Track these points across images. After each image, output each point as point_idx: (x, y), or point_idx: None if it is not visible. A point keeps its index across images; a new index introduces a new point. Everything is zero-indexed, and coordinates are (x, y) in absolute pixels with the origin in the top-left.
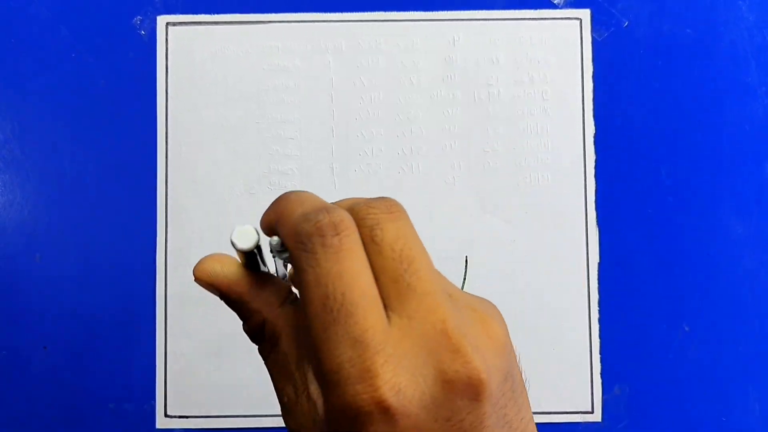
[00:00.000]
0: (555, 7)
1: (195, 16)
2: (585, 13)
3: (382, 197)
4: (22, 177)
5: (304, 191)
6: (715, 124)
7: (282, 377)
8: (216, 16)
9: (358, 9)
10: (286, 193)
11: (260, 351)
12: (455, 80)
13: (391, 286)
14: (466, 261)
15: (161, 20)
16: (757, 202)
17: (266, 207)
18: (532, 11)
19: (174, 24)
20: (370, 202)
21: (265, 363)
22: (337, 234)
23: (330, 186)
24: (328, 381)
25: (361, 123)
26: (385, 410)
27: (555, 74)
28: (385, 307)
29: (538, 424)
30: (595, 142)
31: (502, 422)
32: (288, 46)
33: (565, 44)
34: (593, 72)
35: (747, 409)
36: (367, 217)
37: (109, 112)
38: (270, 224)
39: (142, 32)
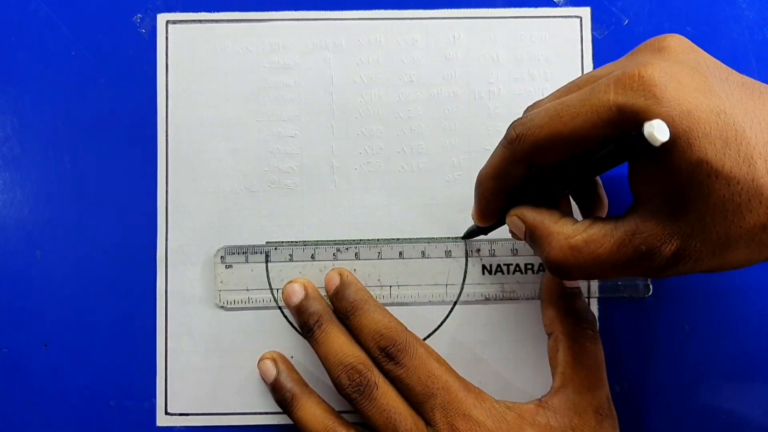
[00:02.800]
0: (555, 5)
1: (195, 14)
2: (585, 11)
3: None
4: (22, 175)
5: None
6: None
7: None
8: (216, 14)
9: (359, 7)
10: None
11: None
12: (455, 78)
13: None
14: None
15: (161, 18)
16: None
17: (267, 205)
18: (532, 9)
19: (174, 22)
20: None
21: None
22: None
23: (330, 184)
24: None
25: (362, 121)
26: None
27: (555, 72)
28: None
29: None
30: None
31: None
32: (288, 44)
33: (565, 42)
34: (593, 70)
35: (747, 408)
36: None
37: (110, 110)
38: None
39: (143, 30)
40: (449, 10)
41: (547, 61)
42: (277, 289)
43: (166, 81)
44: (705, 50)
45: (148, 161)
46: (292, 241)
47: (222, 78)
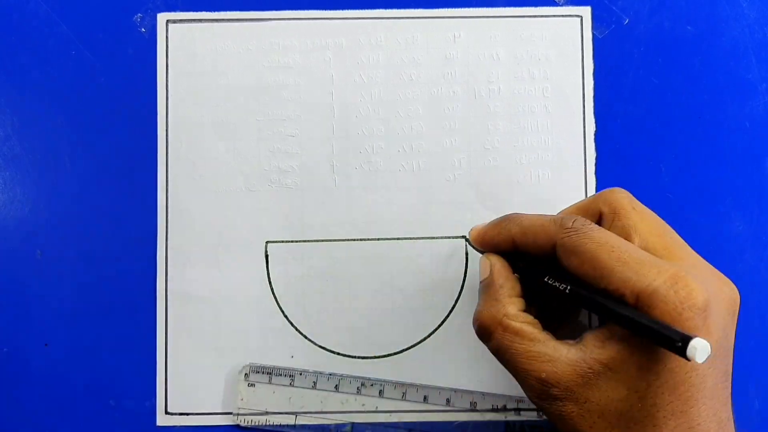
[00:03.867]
0: (555, 4)
1: (195, 13)
2: (585, 11)
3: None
4: (22, 174)
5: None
6: (716, 121)
7: None
8: (216, 13)
9: (359, 6)
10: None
11: None
12: (455, 77)
13: (658, 241)
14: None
15: (161, 17)
16: (757, 200)
17: (267, 204)
18: (532, 8)
19: (174, 21)
20: (609, 191)
21: None
22: (591, 223)
23: (330, 183)
24: (650, 295)
25: (362, 120)
26: (704, 308)
27: (556, 71)
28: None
29: (536, 422)
30: (596, 140)
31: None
32: (288, 43)
33: (565, 41)
34: (594, 69)
35: (747, 406)
36: (621, 195)
37: (110, 110)
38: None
39: (143, 29)
40: (449, 9)
41: (547, 60)
42: (295, 414)
43: (166, 80)
44: (705, 50)
45: (148, 160)
46: (317, 372)
47: (222, 77)
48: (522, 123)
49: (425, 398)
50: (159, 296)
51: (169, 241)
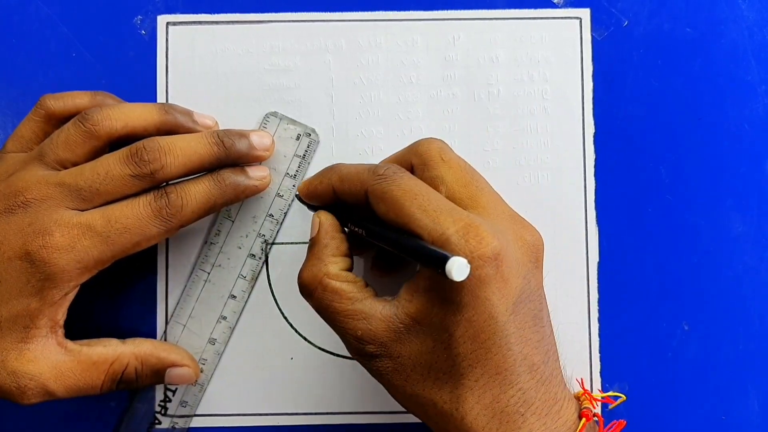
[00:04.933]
0: (555, 6)
1: (195, 15)
2: (585, 13)
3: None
4: None
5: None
6: (716, 123)
7: None
8: (216, 15)
9: (359, 8)
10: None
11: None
12: (455, 79)
13: (463, 191)
14: None
15: (161, 20)
16: (757, 201)
17: (267, 206)
18: (532, 10)
19: (174, 23)
20: (423, 141)
21: None
22: (403, 171)
23: None
24: (444, 243)
25: (361, 122)
26: (495, 256)
27: (555, 73)
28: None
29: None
30: (595, 141)
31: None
32: (288, 46)
33: (564, 43)
34: (593, 71)
35: (746, 407)
36: (432, 146)
37: None
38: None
39: (143, 32)
40: (449, 11)
41: (546, 62)
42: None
43: (166, 82)
44: (704, 52)
45: None
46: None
47: (222, 80)
48: (521, 125)
49: None
50: (159, 296)
51: (170, 241)
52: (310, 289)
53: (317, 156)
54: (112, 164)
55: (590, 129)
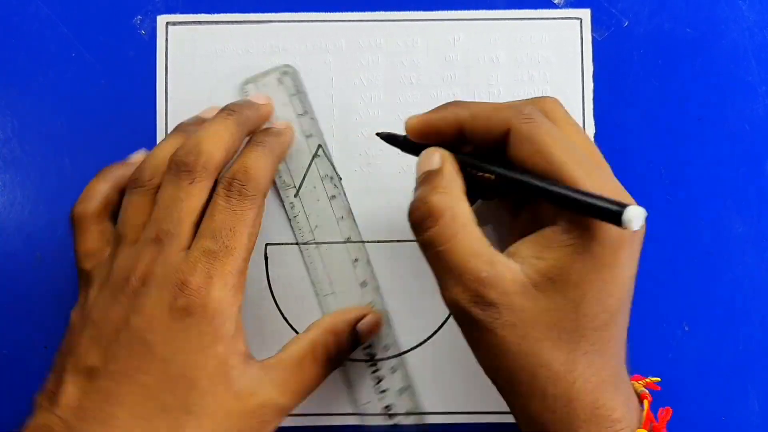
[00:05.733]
0: (555, 6)
1: (195, 15)
2: (585, 13)
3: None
4: (22, 177)
5: None
6: (716, 124)
7: None
8: (216, 15)
9: (359, 8)
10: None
11: None
12: (455, 79)
13: (591, 155)
14: None
15: (161, 20)
16: (757, 202)
17: (267, 206)
18: (532, 11)
19: (174, 23)
20: (546, 98)
21: None
22: (544, 117)
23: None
24: None
25: (362, 122)
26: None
27: (555, 74)
28: None
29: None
30: (595, 142)
31: None
32: (288, 46)
33: (565, 44)
34: (593, 71)
35: (747, 408)
36: (557, 104)
37: (110, 112)
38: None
39: (142, 32)
40: (449, 11)
41: (547, 62)
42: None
43: (166, 82)
44: (705, 53)
45: None
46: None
47: (222, 80)
48: None
49: None
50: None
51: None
52: (436, 216)
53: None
54: (167, 191)
55: (590, 129)
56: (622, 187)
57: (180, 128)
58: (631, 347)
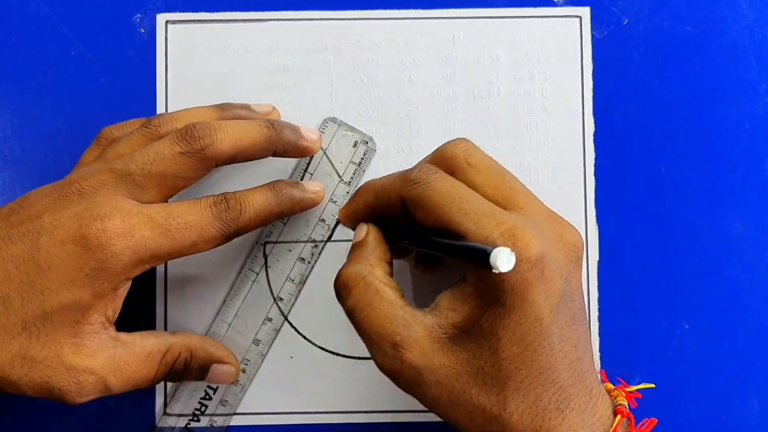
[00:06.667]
0: (555, 4)
1: (195, 14)
2: (585, 11)
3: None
4: (22, 176)
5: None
6: (716, 122)
7: None
8: (216, 14)
9: (358, 7)
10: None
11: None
12: (455, 78)
13: (497, 194)
14: None
15: (161, 18)
16: (757, 200)
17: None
18: (532, 9)
19: (174, 22)
20: (448, 145)
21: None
22: (436, 171)
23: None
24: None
25: (361, 121)
26: (540, 259)
27: (555, 72)
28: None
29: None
30: (595, 140)
31: (576, 290)
32: (288, 45)
33: (565, 42)
34: (593, 70)
35: (746, 406)
36: (456, 151)
37: (109, 110)
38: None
39: (142, 30)
40: (449, 10)
41: (546, 61)
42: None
43: (166, 81)
44: (705, 51)
45: None
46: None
47: (221, 78)
48: (521, 124)
49: None
50: (159, 297)
51: None
52: (351, 286)
53: (372, 164)
54: (162, 145)
55: (590, 128)
56: (546, 214)
57: (223, 104)
58: (632, 346)
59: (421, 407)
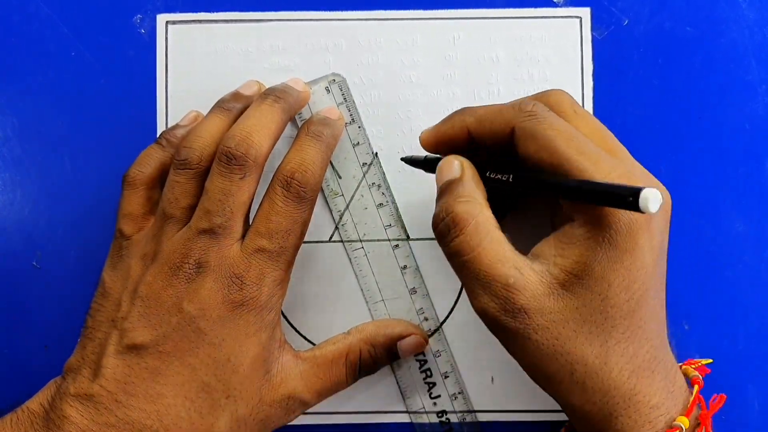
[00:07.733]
0: (555, 5)
1: (195, 14)
2: (585, 12)
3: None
4: (22, 175)
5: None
6: (716, 123)
7: None
8: (216, 14)
9: (358, 8)
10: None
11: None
12: (455, 78)
13: (602, 144)
14: None
15: (161, 18)
16: (757, 200)
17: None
18: (532, 9)
19: (174, 22)
20: (552, 91)
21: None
22: (549, 110)
23: (330, 184)
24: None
25: (362, 121)
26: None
27: (555, 72)
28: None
29: (539, 423)
30: None
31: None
32: (288, 45)
33: (565, 42)
34: (593, 70)
35: (746, 407)
36: (563, 97)
37: (110, 111)
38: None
39: (142, 30)
40: (449, 10)
41: (546, 61)
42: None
43: (166, 81)
44: (705, 52)
45: None
46: None
47: (222, 79)
48: None
49: None
50: None
51: None
52: (461, 225)
53: (355, 95)
54: (218, 183)
55: None
56: (642, 170)
57: (221, 105)
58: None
59: (422, 408)
